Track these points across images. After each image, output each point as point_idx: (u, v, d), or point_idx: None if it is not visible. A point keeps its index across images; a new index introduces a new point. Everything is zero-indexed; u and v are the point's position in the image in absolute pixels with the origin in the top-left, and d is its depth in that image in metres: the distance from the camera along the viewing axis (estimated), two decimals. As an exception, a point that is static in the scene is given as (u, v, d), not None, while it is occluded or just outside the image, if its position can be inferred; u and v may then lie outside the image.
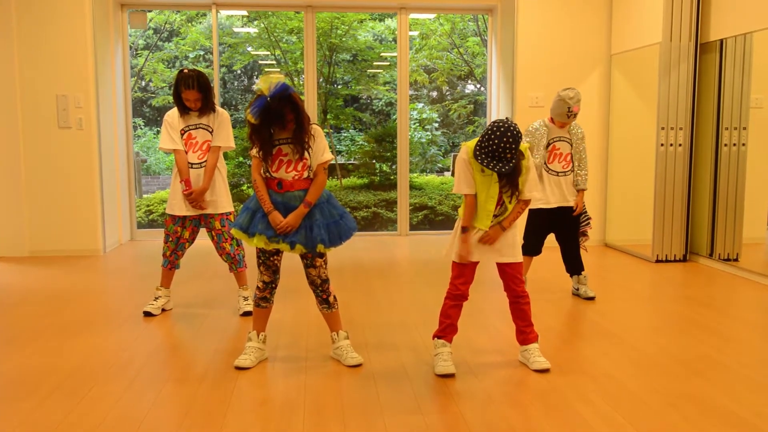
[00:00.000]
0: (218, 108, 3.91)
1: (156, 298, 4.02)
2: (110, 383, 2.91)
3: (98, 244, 5.95)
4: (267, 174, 3.03)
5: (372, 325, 3.79)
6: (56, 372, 3.04)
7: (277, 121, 2.86)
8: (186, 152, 3.88)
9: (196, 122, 3.87)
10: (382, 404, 2.69)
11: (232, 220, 3.99)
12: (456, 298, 3.05)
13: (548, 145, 4.22)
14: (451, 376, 2.98)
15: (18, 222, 5.84)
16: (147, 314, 3.93)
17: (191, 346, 3.41)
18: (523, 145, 2.95)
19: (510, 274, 3.07)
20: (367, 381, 2.94)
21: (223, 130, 3.90)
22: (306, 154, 2.97)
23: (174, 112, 3.87)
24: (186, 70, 3.74)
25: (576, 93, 4.13)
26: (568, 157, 4.23)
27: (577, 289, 4.41)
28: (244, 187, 9.09)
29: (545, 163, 4.21)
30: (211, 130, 3.89)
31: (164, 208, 4.10)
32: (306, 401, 2.72)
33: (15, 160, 5.79)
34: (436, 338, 3.09)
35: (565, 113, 4.12)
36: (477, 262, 3.07)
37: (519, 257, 3.08)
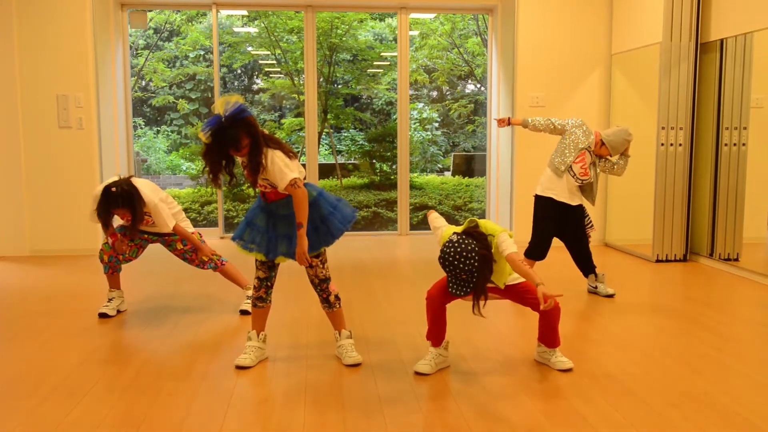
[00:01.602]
0: (148, 202, 3.69)
1: (110, 300, 3.99)
2: (110, 382, 2.91)
3: (98, 243, 5.94)
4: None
5: (372, 324, 3.79)
6: (56, 371, 3.04)
7: (231, 144, 2.79)
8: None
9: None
10: (382, 403, 2.69)
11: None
12: (427, 297, 3.01)
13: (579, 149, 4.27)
14: (423, 375, 2.97)
15: (18, 221, 5.84)
16: (103, 315, 3.92)
17: (191, 346, 3.41)
18: (491, 238, 2.81)
19: (524, 296, 2.98)
20: (367, 380, 2.94)
21: (160, 218, 3.76)
22: (261, 179, 2.92)
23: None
24: (113, 189, 3.58)
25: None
26: (588, 170, 4.27)
27: (595, 288, 4.43)
28: (244, 187, 9.09)
29: (572, 163, 4.25)
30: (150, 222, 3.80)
31: None
32: (306, 400, 2.72)
33: (15, 159, 5.79)
34: (426, 338, 3.09)
35: (620, 149, 4.32)
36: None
37: (516, 279, 2.99)
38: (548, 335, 3.08)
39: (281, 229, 3.02)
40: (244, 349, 3.14)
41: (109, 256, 3.91)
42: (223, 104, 2.78)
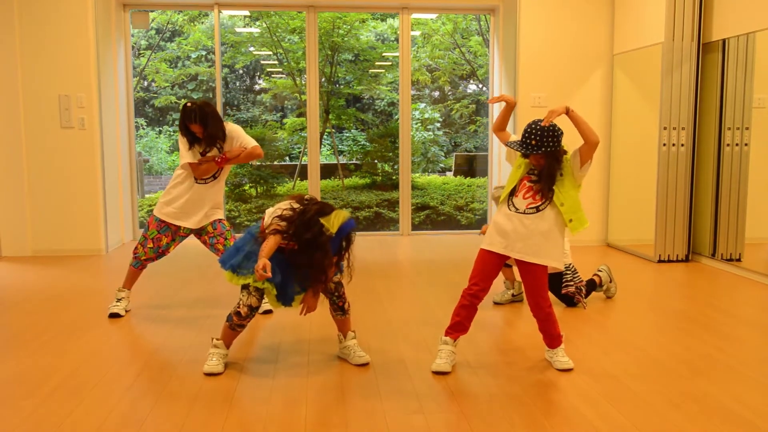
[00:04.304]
0: (228, 126, 3.84)
1: (119, 300, 3.98)
2: (112, 383, 2.91)
3: (100, 243, 5.95)
4: None
5: (374, 324, 3.79)
6: (58, 371, 3.04)
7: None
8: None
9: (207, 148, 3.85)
10: (384, 403, 2.69)
11: (226, 225, 4.00)
12: (466, 296, 3.02)
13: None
14: (444, 374, 2.98)
15: (20, 222, 5.85)
16: (114, 315, 3.91)
17: (193, 346, 3.41)
18: (568, 155, 2.98)
19: (530, 284, 3.03)
20: (369, 380, 2.94)
21: (243, 138, 3.86)
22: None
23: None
24: (189, 104, 3.71)
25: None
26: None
27: (607, 290, 4.38)
28: (246, 187, 9.09)
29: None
30: (220, 147, 3.84)
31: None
32: (308, 401, 2.72)
33: (17, 160, 5.80)
34: (445, 334, 3.08)
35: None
36: (499, 264, 3.06)
37: (552, 261, 3.00)
38: (545, 336, 3.13)
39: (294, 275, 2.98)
40: (211, 356, 3.05)
41: (147, 258, 3.91)
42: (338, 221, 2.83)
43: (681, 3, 5.40)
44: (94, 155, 5.89)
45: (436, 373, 2.99)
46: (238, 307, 2.98)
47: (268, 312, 4.00)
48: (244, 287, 2.99)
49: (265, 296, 3.01)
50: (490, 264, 3.04)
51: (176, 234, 3.93)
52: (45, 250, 5.90)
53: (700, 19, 5.43)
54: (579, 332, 3.70)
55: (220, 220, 3.97)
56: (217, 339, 3.08)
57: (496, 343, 3.50)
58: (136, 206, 6.81)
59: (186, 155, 3.80)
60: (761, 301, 4.40)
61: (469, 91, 11.76)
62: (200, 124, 3.71)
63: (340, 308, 3.13)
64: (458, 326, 3.06)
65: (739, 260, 5.24)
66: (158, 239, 3.89)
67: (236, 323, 3.01)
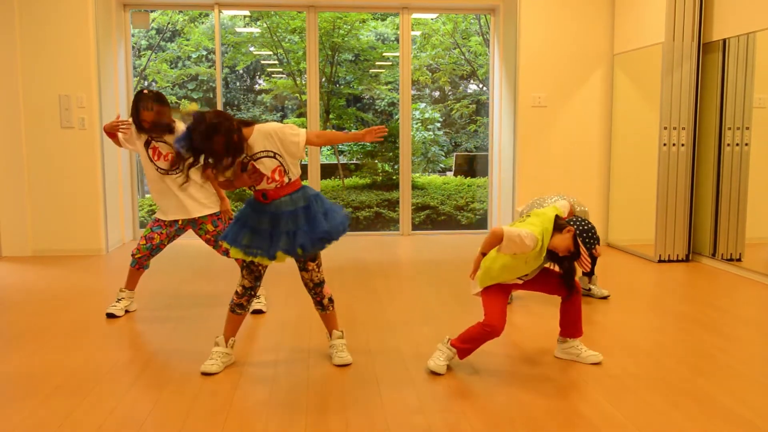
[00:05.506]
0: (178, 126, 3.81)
1: (118, 300, 3.98)
2: (112, 383, 2.91)
3: (101, 243, 5.95)
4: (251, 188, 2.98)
5: (374, 324, 3.79)
6: (58, 371, 3.04)
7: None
8: (152, 159, 3.82)
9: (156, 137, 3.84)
10: (384, 404, 2.69)
11: (224, 219, 3.99)
12: (489, 334, 2.94)
13: None
14: (439, 374, 2.98)
15: (21, 222, 5.85)
16: (110, 316, 3.91)
17: (193, 346, 3.41)
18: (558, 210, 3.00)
19: (544, 278, 3.08)
20: (369, 381, 2.94)
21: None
22: (280, 163, 2.91)
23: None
24: (145, 91, 3.72)
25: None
26: None
27: (589, 290, 4.39)
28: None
29: None
30: (170, 144, 3.80)
31: None
32: (308, 401, 2.72)
33: (18, 159, 5.80)
34: (451, 344, 3.03)
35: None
36: (509, 295, 3.15)
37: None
38: (574, 323, 3.11)
39: (283, 226, 2.96)
40: (210, 354, 3.07)
41: (142, 255, 3.90)
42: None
43: (681, 3, 5.39)
44: (94, 155, 5.89)
45: (433, 372, 2.99)
46: (236, 288, 3.09)
47: (258, 312, 3.99)
48: (245, 267, 3.06)
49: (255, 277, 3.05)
50: (506, 296, 3.08)
51: (170, 231, 3.92)
52: (45, 250, 5.90)
53: (700, 19, 5.42)
54: (579, 332, 3.71)
55: (219, 218, 3.96)
56: (218, 337, 3.10)
57: (497, 343, 3.49)
58: (136, 206, 6.81)
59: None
60: (761, 301, 4.40)
61: (469, 91, 11.75)
62: (157, 103, 3.70)
63: (318, 303, 3.16)
64: (469, 353, 3.03)
65: (739, 260, 5.24)
66: (151, 237, 3.88)
67: (235, 303, 3.08)
